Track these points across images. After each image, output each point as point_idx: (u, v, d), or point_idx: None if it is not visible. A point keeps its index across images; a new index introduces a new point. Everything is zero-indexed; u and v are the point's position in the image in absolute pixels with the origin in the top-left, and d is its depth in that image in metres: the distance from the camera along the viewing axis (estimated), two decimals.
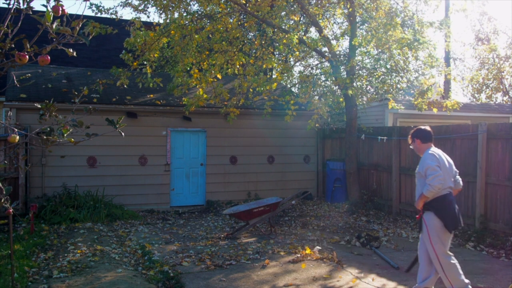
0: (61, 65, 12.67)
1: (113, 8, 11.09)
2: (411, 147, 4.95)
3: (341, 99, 10.60)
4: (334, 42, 11.58)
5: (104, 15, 11.03)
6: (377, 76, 11.79)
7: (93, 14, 11.72)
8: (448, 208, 4.46)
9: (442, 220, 4.43)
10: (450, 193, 4.56)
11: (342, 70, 10.03)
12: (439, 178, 4.32)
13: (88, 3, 3.17)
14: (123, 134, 3.55)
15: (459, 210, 4.60)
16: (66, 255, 6.27)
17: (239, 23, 11.73)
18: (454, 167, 4.74)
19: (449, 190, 4.55)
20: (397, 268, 5.94)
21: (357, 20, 10.68)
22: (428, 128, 4.86)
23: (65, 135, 2.78)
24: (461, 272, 4.49)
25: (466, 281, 4.49)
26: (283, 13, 11.88)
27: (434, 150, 4.67)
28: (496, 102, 21.54)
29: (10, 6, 2.53)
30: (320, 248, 6.77)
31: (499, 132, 7.44)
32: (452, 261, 4.46)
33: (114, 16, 10.92)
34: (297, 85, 15.86)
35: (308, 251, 6.51)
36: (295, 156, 11.96)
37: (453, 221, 4.45)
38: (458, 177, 4.77)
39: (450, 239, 4.56)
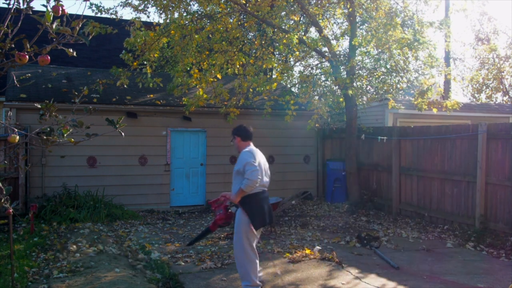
0: (61, 65, 12.66)
1: (113, 8, 11.08)
2: (231, 143, 5.04)
3: (341, 99, 10.60)
4: (334, 42, 11.57)
5: (104, 15, 11.03)
6: (377, 76, 11.79)
7: (93, 14, 11.71)
8: (257, 206, 4.64)
9: (249, 216, 4.59)
10: (263, 191, 4.74)
11: (342, 70, 10.02)
12: (257, 173, 4.47)
13: (88, 3, 3.16)
14: (123, 134, 3.54)
15: (270, 208, 4.80)
16: (66, 255, 6.27)
17: (239, 23, 11.73)
18: (267, 166, 4.93)
19: (262, 188, 4.72)
20: (397, 268, 5.95)
21: (357, 20, 10.67)
22: (249, 127, 5.00)
23: (65, 135, 2.77)
24: (259, 273, 4.70)
25: (259, 282, 4.69)
26: (283, 13, 11.88)
27: (253, 148, 4.82)
28: (496, 102, 21.54)
29: (10, 6, 2.53)
30: (320, 248, 6.77)
31: (499, 132, 7.44)
32: (254, 258, 4.65)
33: (114, 16, 10.91)
34: (297, 85, 15.86)
35: (308, 251, 6.51)
36: (295, 156, 11.95)
37: (260, 219, 4.63)
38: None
39: (257, 236, 4.75)
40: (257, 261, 4.72)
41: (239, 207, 4.70)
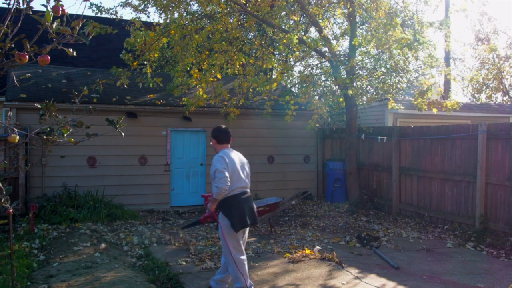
0: (61, 65, 12.66)
1: (113, 8, 11.09)
2: (211, 143, 4.97)
3: (341, 99, 10.61)
4: (334, 42, 11.58)
5: (104, 15, 11.04)
6: (377, 76, 11.79)
7: (93, 14, 11.73)
8: (235, 208, 4.57)
9: (229, 219, 4.56)
10: (242, 193, 4.66)
11: (342, 70, 10.02)
12: (224, 180, 4.40)
13: (88, 3, 3.16)
14: (123, 134, 3.54)
15: (251, 209, 4.71)
16: (66, 255, 6.27)
17: (239, 23, 11.72)
18: (247, 167, 4.84)
19: (241, 190, 4.65)
20: (397, 268, 5.95)
21: (357, 20, 10.67)
22: (226, 129, 4.86)
23: (65, 135, 2.78)
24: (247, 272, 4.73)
25: (250, 282, 4.73)
26: (283, 13, 11.88)
27: (227, 151, 4.71)
28: (496, 102, 21.54)
29: (10, 6, 2.53)
30: (320, 248, 6.77)
31: (499, 132, 7.44)
32: (242, 257, 4.66)
33: (114, 16, 10.90)
34: (297, 85, 15.85)
35: (308, 251, 6.51)
36: (295, 156, 11.95)
37: (240, 222, 4.56)
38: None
39: (243, 237, 4.72)
40: (244, 258, 4.69)
41: (219, 212, 4.67)
